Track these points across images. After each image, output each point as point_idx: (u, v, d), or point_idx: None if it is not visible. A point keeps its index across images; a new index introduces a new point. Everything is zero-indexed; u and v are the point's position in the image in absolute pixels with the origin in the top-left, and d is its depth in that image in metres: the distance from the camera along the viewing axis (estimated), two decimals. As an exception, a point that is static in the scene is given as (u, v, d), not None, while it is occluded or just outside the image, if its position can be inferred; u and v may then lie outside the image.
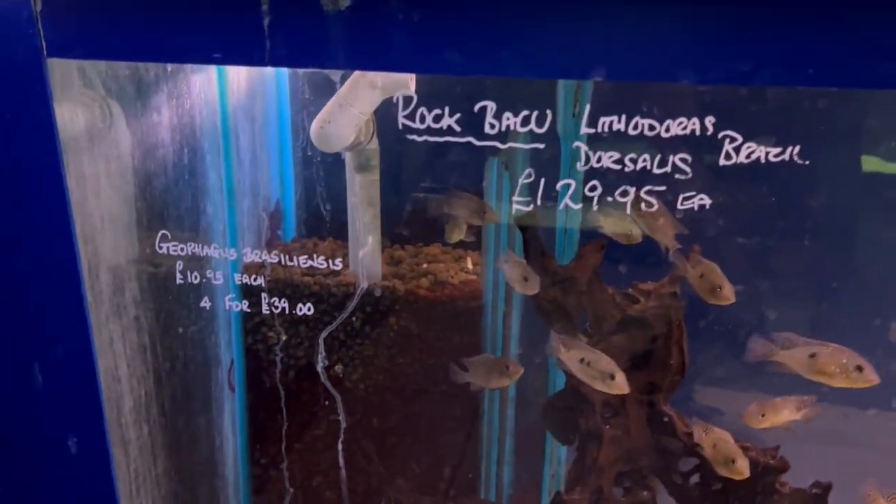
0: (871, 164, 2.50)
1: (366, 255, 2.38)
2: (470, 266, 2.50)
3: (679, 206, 1.55)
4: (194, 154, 2.12)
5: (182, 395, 2.18)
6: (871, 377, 1.68)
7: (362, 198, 2.36)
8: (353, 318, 2.38)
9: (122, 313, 1.84)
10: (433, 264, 2.50)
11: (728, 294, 1.85)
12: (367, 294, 2.35)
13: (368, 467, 2.36)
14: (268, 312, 2.37)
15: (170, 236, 1.85)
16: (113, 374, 1.84)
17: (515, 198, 1.62)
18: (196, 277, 1.98)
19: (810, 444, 2.27)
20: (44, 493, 1.79)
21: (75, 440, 1.70)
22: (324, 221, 2.54)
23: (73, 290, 1.62)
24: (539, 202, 1.58)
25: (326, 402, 2.40)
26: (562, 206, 1.57)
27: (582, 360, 1.90)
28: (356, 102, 2.03)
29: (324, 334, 2.10)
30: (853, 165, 2.45)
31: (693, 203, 1.53)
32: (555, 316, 2.15)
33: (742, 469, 1.89)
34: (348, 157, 2.34)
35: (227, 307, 2.05)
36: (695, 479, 2.15)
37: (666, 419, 2.14)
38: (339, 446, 2.32)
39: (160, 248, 1.85)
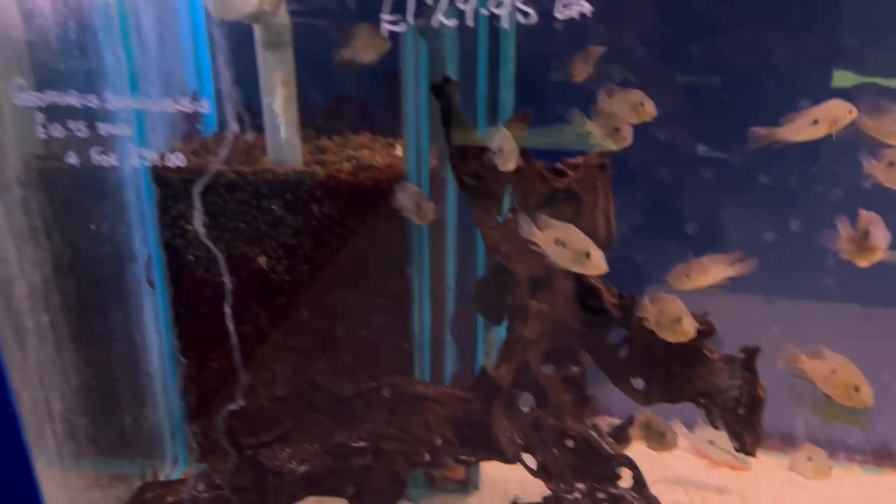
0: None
1: (282, 138, 2.27)
2: (400, 153, 2.40)
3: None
4: (84, 30, 1.97)
5: (90, 287, 2.09)
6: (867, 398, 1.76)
7: (275, 78, 2.23)
8: (274, 208, 2.28)
9: (2, 191, 1.72)
10: (359, 150, 2.40)
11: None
12: (285, 180, 2.25)
13: (294, 358, 2.31)
14: (183, 204, 2.27)
15: (54, 113, 1.72)
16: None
17: (383, 15, 1.51)
18: (95, 161, 1.86)
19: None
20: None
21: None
22: (248, 113, 2.42)
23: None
24: (411, 20, 1.48)
25: (252, 295, 2.33)
26: (435, 23, 1.47)
27: (557, 241, 1.81)
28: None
29: (198, 187, 2.00)
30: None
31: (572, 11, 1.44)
32: (477, 191, 2.07)
33: (687, 328, 1.85)
34: (257, 33, 2.20)
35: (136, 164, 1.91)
36: (624, 351, 2.14)
37: (593, 291, 2.10)
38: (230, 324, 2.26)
39: (43, 127, 1.72)
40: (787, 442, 2.78)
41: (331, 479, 1.95)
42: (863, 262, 1.64)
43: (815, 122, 1.74)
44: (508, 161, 1.84)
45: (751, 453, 2.07)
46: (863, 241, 1.62)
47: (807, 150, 2.23)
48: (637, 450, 2.69)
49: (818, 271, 2.66)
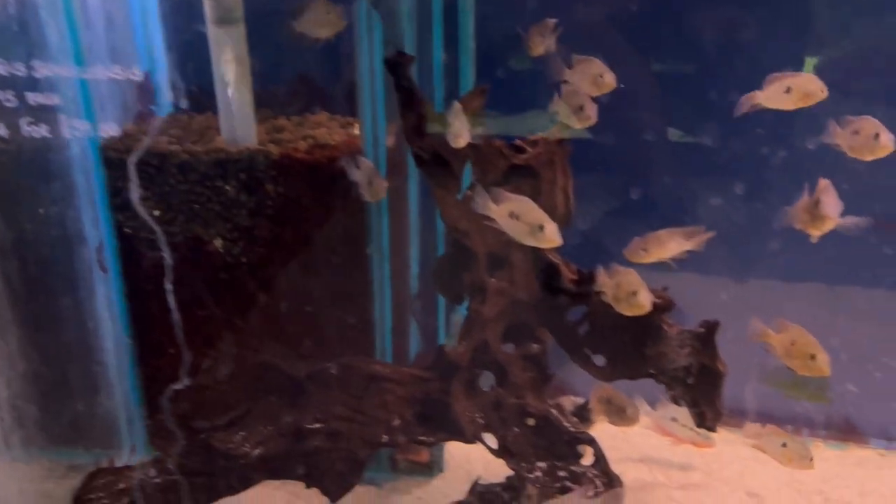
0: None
1: (235, 117, 2.22)
2: (357, 132, 2.36)
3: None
4: (24, 7, 1.91)
5: (37, 271, 2.03)
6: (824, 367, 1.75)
7: (226, 55, 2.18)
8: (228, 188, 2.24)
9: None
10: (316, 129, 2.35)
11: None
12: (239, 160, 2.21)
13: (252, 340, 2.27)
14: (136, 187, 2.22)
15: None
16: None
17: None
18: (25, 132, 1.80)
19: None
20: None
21: None
22: (202, 94, 2.37)
23: None
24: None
25: (208, 278, 2.28)
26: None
27: (511, 214, 1.77)
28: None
29: (133, 158, 1.95)
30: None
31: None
32: (434, 168, 2.04)
33: (643, 301, 1.82)
34: (207, 9, 2.14)
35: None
36: (584, 328, 2.12)
37: (552, 267, 2.08)
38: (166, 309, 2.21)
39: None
40: (752, 420, 2.79)
41: (286, 461, 1.91)
42: (815, 231, 1.62)
43: (788, 90, 1.73)
44: (459, 137, 1.80)
45: (711, 428, 2.06)
46: (815, 211, 1.61)
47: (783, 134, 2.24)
48: (602, 429, 2.69)
49: (788, 251, 2.68)
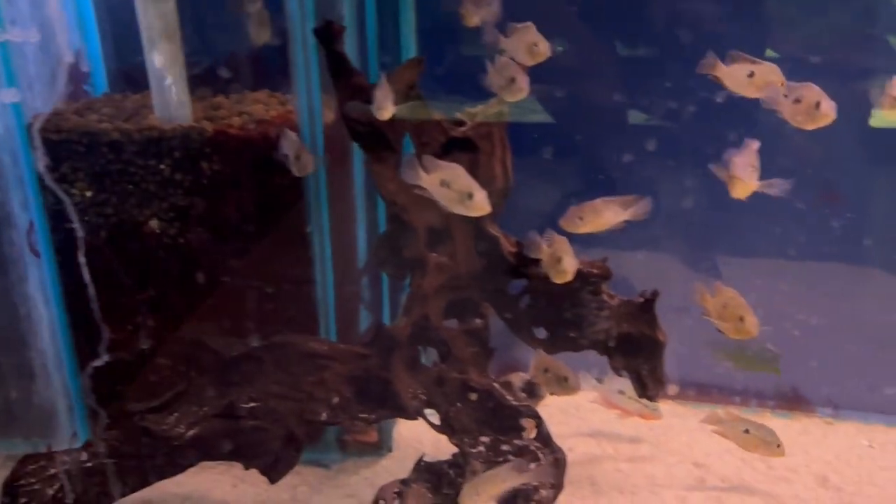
0: None
1: (168, 94, 2.17)
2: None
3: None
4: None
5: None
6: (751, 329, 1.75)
7: (157, 30, 2.12)
8: (162, 167, 2.18)
9: None
10: (252, 105, 2.30)
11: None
12: (172, 137, 2.15)
13: (192, 321, 2.22)
14: (67, 167, 2.16)
15: None
16: None
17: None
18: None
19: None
20: None
21: None
22: (138, 73, 2.30)
23: None
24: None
25: (145, 260, 2.23)
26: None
27: (442, 182, 1.73)
28: None
29: (37, 125, 1.89)
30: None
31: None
32: (370, 141, 2.00)
33: (567, 267, 1.81)
34: (134, -18, 2.08)
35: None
36: (525, 301, 2.10)
37: (493, 240, 2.06)
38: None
39: None
40: (701, 392, 2.81)
41: (221, 442, 1.88)
42: (737, 194, 1.61)
43: (751, 74, 1.70)
44: (382, 109, 1.76)
45: (653, 398, 2.07)
46: (732, 176, 1.60)
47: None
48: (554, 404, 2.69)
49: (749, 227, 2.70)
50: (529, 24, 1.85)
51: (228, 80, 2.43)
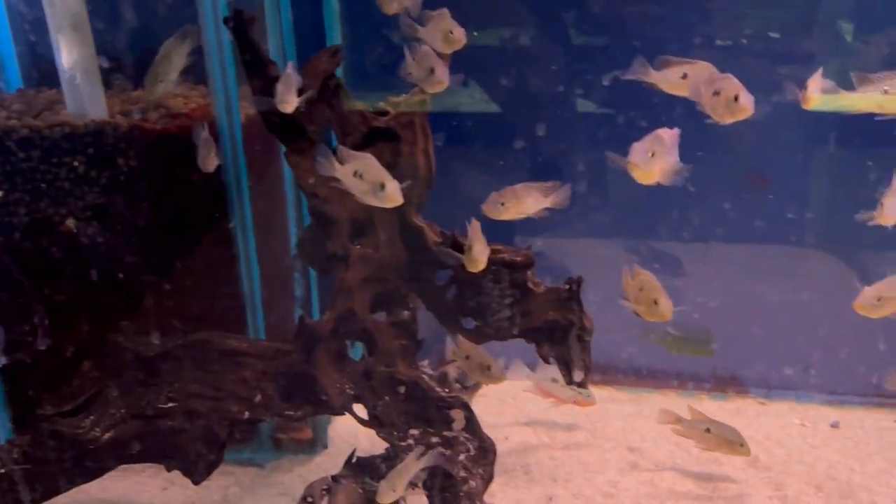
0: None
1: (79, 89, 2.10)
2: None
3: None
4: None
5: None
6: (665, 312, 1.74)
7: (65, 24, 2.05)
8: (76, 164, 2.11)
9: None
10: (171, 99, 2.25)
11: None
12: (85, 133, 2.09)
13: (113, 323, 2.17)
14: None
15: None
16: None
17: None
18: None
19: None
20: None
21: None
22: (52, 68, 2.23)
23: None
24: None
25: (62, 261, 2.16)
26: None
27: (356, 174, 1.70)
28: None
29: None
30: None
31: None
32: (287, 132, 1.96)
33: (477, 256, 1.78)
34: (38, -27, 2.01)
35: None
36: (452, 291, 2.08)
37: (417, 231, 2.03)
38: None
39: None
40: (639, 377, 2.83)
41: (140, 444, 1.83)
42: (644, 180, 1.60)
43: (684, 76, 1.66)
44: (285, 103, 1.72)
45: (581, 385, 2.06)
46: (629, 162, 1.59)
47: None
48: (492, 394, 2.69)
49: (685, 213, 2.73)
50: (444, 10, 1.82)
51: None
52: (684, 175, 1.59)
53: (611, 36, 2.74)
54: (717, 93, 1.62)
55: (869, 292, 1.70)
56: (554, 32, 2.77)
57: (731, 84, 1.60)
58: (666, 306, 1.69)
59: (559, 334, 2.03)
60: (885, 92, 1.71)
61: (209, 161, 1.84)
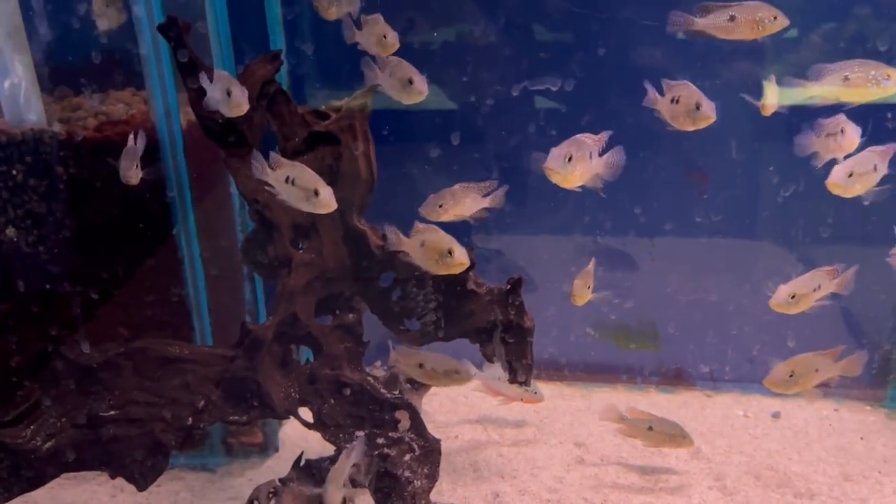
0: None
1: (15, 96, 2.08)
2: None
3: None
4: None
5: None
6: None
7: (0, 27, 2.03)
8: (14, 172, 2.09)
9: None
10: (112, 105, 2.23)
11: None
12: (22, 141, 2.07)
13: (55, 332, 2.15)
14: None
15: None
16: None
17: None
18: None
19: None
20: None
21: None
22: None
23: None
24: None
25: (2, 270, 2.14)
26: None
27: (288, 179, 1.69)
28: None
29: None
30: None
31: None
32: (226, 137, 1.96)
33: (460, 258, 1.75)
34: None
35: None
36: (396, 293, 2.10)
37: (360, 234, 2.05)
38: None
39: None
40: (588, 372, 2.87)
41: (81, 452, 1.82)
42: (564, 185, 1.62)
43: (732, 18, 1.62)
44: (234, 106, 1.72)
45: (525, 382, 2.09)
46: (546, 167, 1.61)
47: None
48: (444, 393, 2.71)
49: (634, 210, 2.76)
50: (377, 15, 1.84)
51: (93, 79, 2.35)
52: (614, 176, 1.61)
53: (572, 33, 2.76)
54: (675, 101, 1.62)
55: (783, 290, 1.74)
56: (512, 29, 2.77)
57: (690, 91, 1.61)
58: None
59: (500, 334, 2.06)
60: (846, 79, 1.70)
61: (131, 174, 1.79)
